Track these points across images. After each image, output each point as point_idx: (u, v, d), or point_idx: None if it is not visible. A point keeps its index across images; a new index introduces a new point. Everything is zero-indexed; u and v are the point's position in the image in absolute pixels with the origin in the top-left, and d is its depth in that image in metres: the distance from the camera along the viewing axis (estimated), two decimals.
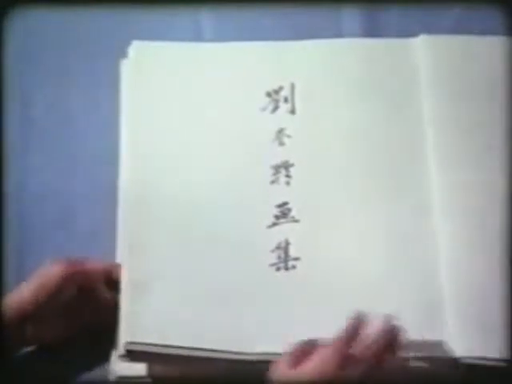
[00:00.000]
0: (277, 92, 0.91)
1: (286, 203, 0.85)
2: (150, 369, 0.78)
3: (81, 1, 0.96)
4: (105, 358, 0.79)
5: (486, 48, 0.91)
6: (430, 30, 0.93)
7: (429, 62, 0.91)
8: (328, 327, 0.77)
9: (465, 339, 0.77)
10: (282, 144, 0.88)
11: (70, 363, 0.81)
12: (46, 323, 0.78)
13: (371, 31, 0.96)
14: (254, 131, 0.89)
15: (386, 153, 0.87)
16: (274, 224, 0.84)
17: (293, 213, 0.84)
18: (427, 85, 0.90)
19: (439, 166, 0.85)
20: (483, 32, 0.92)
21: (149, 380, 0.78)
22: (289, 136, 0.88)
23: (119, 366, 0.78)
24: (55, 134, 0.93)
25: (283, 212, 0.84)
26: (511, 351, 0.75)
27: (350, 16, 0.97)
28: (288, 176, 0.86)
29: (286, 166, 0.87)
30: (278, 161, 0.87)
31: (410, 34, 0.93)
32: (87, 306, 0.80)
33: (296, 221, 0.84)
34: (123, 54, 0.92)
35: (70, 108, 0.94)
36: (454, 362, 0.76)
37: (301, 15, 0.97)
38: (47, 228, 0.89)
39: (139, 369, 0.78)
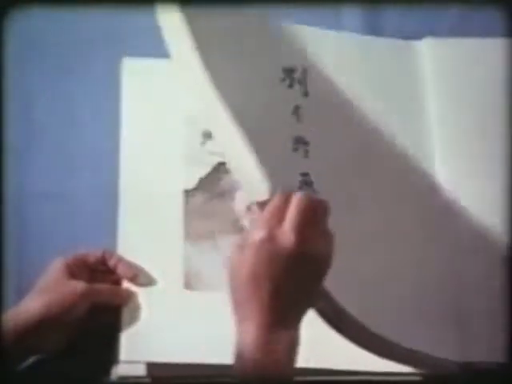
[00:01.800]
0: (291, 71, 0.89)
1: (307, 174, 0.84)
2: (149, 369, 0.78)
3: (81, 1, 0.96)
4: (106, 359, 0.80)
5: (488, 50, 0.91)
6: (430, 29, 0.93)
7: (433, 64, 0.91)
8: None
9: (463, 343, 0.78)
10: (299, 120, 0.86)
11: (72, 368, 0.81)
12: (52, 333, 0.78)
13: (372, 31, 0.96)
14: (275, 100, 0.86)
15: (395, 149, 0.87)
16: None
17: (314, 185, 0.83)
18: (431, 86, 0.90)
19: (443, 165, 0.86)
20: (483, 33, 0.92)
21: (148, 380, 0.78)
22: (303, 115, 0.86)
23: (119, 367, 0.79)
24: (55, 133, 0.93)
25: (306, 181, 0.83)
26: (509, 355, 0.76)
27: (351, 15, 0.97)
28: (306, 151, 0.84)
29: (304, 142, 0.86)
30: (296, 134, 0.85)
31: (410, 33, 0.93)
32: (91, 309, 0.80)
33: (317, 193, 0.82)
34: (123, 53, 0.93)
35: (71, 108, 0.94)
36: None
37: (301, 15, 0.96)
38: (47, 228, 0.89)
39: (139, 369, 0.78)
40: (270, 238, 0.61)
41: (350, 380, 0.78)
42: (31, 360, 0.79)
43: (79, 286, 0.78)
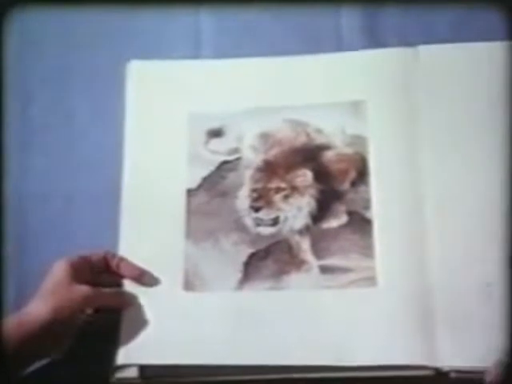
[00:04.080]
0: None
1: None
2: (142, 371, 0.78)
3: (81, 1, 0.96)
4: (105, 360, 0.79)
5: (486, 54, 0.90)
6: (428, 30, 0.93)
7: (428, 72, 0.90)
8: None
9: (455, 350, 0.77)
10: None
11: (71, 371, 0.80)
12: (59, 337, 0.77)
13: (371, 31, 0.95)
14: None
15: None
16: None
17: None
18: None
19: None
20: (484, 35, 0.90)
21: (140, 381, 0.78)
22: None
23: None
24: (56, 133, 0.93)
25: None
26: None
27: (350, 15, 0.96)
28: None
29: None
30: None
31: (409, 33, 0.93)
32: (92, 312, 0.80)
33: None
34: (123, 53, 0.93)
35: (71, 108, 0.94)
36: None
37: (301, 15, 0.95)
38: (47, 228, 0.88)
39: (131, 371, 0.78)
40: None
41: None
42: (36, 365, 0.78)
43: (85, 290, 0.78)
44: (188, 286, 0.83)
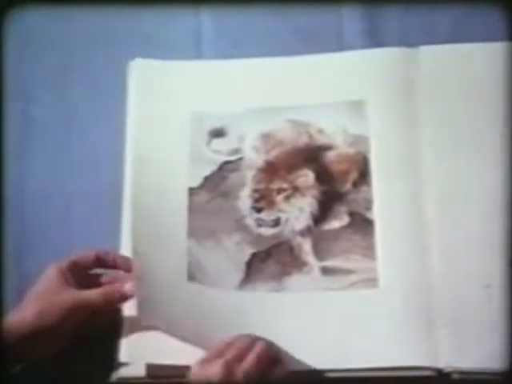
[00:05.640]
0: None
1: None
2: (149, 370, 0.77)
3: (81, 1, 0.95)
4: (106, 363, 0.79)
5: (486, 54, 0.90)
6: (429, 30, 0.93)
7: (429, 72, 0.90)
8: None
9: (457, 351, 0.77)
10: None
11: (71, 373, 0.80)
12: (43, 342, 0.77)
13: (371, 31, 0.95)
14: None
15: None
16: None
17: None
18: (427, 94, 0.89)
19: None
20: (483, 34, 0.90)
21: (148, 381, 0.77)
22: None
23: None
24: (56, 133, 0.93)
25: None
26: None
27: (351, 16, 0.96)
28: None
29: None
30: None
31: (410, 33, 0.93)
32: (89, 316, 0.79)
33: None
34: (123, 53, 0.92)
35: (71, 108, 0.93)
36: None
37: (301, 15, 0.95)
38: (47, 229, 0.88)
39: (139, 370, 0.77)
40: (229, 372, 0.71)
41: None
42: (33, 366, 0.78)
43: (73, 293, 0.77)
44: (192, 277, 0.83)
